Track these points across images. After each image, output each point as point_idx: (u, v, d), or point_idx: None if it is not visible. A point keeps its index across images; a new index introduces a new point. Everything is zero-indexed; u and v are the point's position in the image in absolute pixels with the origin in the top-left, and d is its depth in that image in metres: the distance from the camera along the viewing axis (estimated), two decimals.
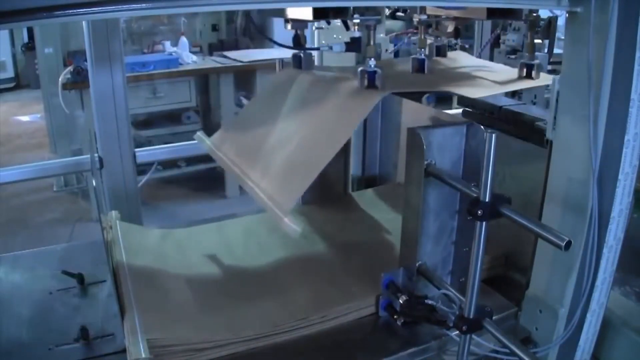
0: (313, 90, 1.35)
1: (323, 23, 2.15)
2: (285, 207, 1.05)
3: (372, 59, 1.19)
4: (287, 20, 1.40)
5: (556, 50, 1.53)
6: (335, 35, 2.07)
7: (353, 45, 1.27)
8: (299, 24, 1.41)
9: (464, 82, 1.36)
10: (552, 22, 1.40)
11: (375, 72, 1.20)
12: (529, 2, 1.16)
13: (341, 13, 1.24)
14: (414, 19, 1.50)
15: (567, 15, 1.06)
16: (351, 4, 1.22)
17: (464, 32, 1.76)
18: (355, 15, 1.21)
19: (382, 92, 1.20)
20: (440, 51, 1.62)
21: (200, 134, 1.60)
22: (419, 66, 1.43)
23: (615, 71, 0.97)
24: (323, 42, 2.22)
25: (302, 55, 1.43)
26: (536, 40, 1.49)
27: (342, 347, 1.12)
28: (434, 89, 1.42)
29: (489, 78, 1.39)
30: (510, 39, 1.77)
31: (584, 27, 0.99)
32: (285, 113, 1.36)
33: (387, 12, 1.71)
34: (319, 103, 1.28)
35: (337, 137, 1.13)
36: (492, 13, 1.28)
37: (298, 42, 1.45)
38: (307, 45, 1.49)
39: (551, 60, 1.57)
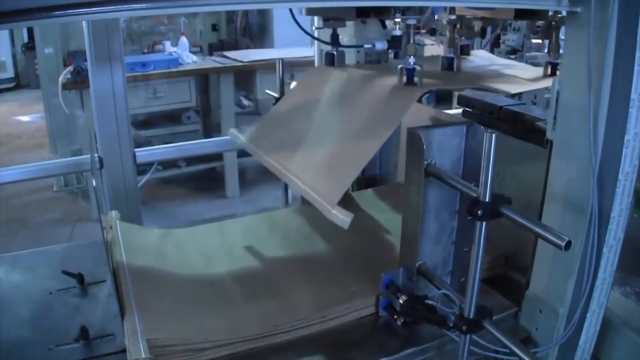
0: (351, 86, 1.39)
1: (322, 23, 2.15)
2: (333, 199, 1.08)
3: (412, 57, 1.23)
4: (325, 19, 1.46)
5: None
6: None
7: (394, 43, 1.34)
8: (337, 23, 1.46)
9: (497, 79, 1.38)
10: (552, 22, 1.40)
11: (414, 69, 1.24)
12: (529, 2, 1.16)
13: (383, 12, 1.31)
14: (444, 20, 1.52)
15: (567, 15, 1.06)
16: (346, 4, 1.25)
17: (464, 32, 1.76)
18: (397, 15, 1.27)
19: (421, 88, 1.24)
20: (464, 50, 1.65)
21: (234, 130, 1.65)
22: (449, 64, 1.46)
23: (615, 71, 0.97)
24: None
25: (335, 53, 1.50)
26: (536, 41, 1.49)
27: (342, 347, 1.12)
28: (470, 86, 1.44)
29: (519, 75, 1.41)
30: (510, 39, 1.78)
31: (584, 27, 0.99)
32: (324, 108, 1.41)
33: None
34: (359, 99, 1.32)
35: (380, 132, 1.15)
36: (519, 14, 1.30)
37: (336, 40, 1.50)
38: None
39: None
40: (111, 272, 1.22)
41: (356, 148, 1.15)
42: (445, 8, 1.47)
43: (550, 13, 1.38)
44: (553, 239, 0.85)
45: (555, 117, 1.11)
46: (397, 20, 1.28)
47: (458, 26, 1.57)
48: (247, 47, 4.30)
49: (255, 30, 4.60)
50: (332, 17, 1.44)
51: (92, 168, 1.53)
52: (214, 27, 4.41)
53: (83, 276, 1.32)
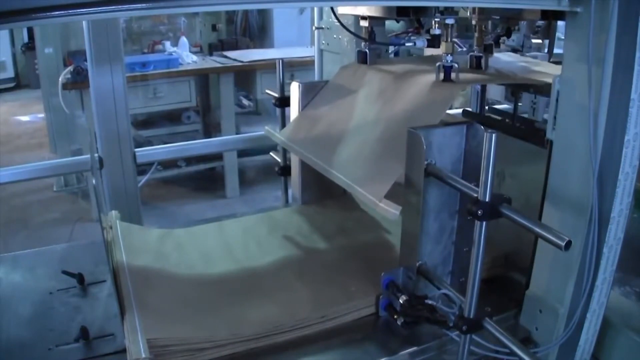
0: (388, 83, 1.44)
1: (324, 23, 2.15)
2: (380, 193, 1.13)
3: (449, 55, 1.30)
4: (363, 17, 1.52)
5: (556, 50, 1.53)
6: (335, 36, 2.07)
7: (433, 41, 1.40)
8: (374, 21, 1.52)
9: (527, 75, 1.39)
10: (552, 22, 1.40)
11: (451, 66, 1.29)
12: (529, 2, 1.16)
13: (421, 12, 1.37)
14: (473, 21, 1.54)
15: (567, 15, 1.06)
16: (345, 4, 1.25)
17: (464, 32, 1.76)
18: (437, 15, 1.33)
19: (459, 85, 1.30)
20: (488, 49, 1.66)
21: (269, 128, 1.70)
22: (477, 63, 1.50)
23: (615, 71, 0.97)
24: (324, 42, 2.22)
25: (367, 50, 1.55)
26: (536, 41, 1.49)
27: (342, 347, 1.12)
28: (504, 81, 1.46)
29: (546, 71, 1.42)
30: (510, 38, 1.77)
31: (584, 27, 0.99)
32: (362, 105, 1.45)
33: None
34: (398, 96, 1.36)
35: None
36: (545, 16, 1.31)
37: (373, 38, 1.55)
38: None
39: (551, 60, 1.57)
40: (111, 272, 1.23)
41: (398, 144, 1.16)
42: (473, 10, 1.50)
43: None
44: (553, 239, 0.85)
45: (555, 117, 1.11)
46: (436, 19, 1.35)
47: (484, 26, 1.58)
48: (247, 47, 4.30)
49: (255, 30, 4.60)
50: (370, 16, 1.49)
51: (92, 168, 1.53)
52: (214, 27, 4.41)
53: (83, 276, 1.32)
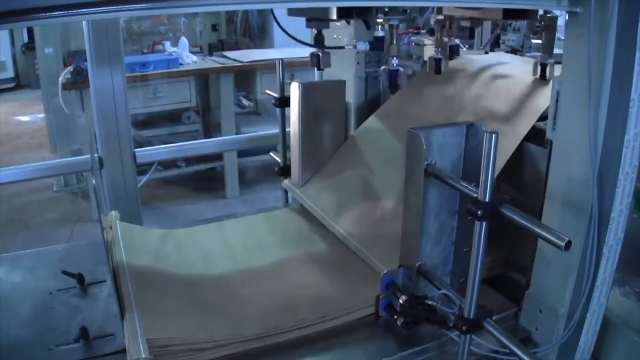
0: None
1: (306, 24, 2.14)
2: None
3: (395, 58, 1.23)
4: (309, 20, 1.42)
5: (556, 50, 1.53)
6: (335, 36, 2.07)
7: (376, 44, 1.32)
8: (321, 24, 1.43)
9: None
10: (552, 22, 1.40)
11: (397, 70, 1.28)
12: (529, 2, 1.16)
13: (364, 12, 1.27)
14: (431, 20, 1.51)
15: (567, 15, 1.06)
16: (344, 4, 1.23)
17: (463, 32, 1.75)
18: (379, 15, 1.24)
19: None
20: (454, 51, 1.63)
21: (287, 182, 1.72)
22: (437, 66, 1.44)
23: (615, 71, 0.97)
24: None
25: (320, 54, 1.47)
26: (536, 41, 1.49)
27: (342, 347, 1.12)
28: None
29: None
30: (510, 39, 1.77)
31: (584, 27, 0.99)
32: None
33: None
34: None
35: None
36: (508, 14, 1.29)
37: (320, 41, 1.48)
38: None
39: (551, 60, 1.57)
40: (111, 272, 1.22)
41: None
42: (433, 8, 1.45)
43: (540, 13, 1.36)
44: (553, 239, 0.85)
45: (555, 117, 1.11)
46: (380, 20, 1.26)
47: (447, 26, 1.56)
48: (247, 47, 4.30)
49: (255, 30, 4.60)
50: (315, 18, 1.40)
51: (92, 168, 1.53)
52: (214, 27, 4.41)
53: (83, 276, 1.32)
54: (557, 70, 1.33)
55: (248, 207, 3.56)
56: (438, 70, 1.45)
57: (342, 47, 1.51)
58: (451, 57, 1.64)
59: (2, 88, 6.50)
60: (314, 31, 1.46)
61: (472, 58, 1.61)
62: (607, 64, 0.97)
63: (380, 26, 1.27)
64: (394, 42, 1.27)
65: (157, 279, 1.28)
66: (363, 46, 1.35)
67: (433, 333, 1.13)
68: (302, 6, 1.31)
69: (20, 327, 1.17)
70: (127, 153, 2.07)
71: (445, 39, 1.56)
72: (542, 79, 1.37)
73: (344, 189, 1.55)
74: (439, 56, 1.45)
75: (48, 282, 1.33)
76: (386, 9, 1.25)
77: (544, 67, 1.38)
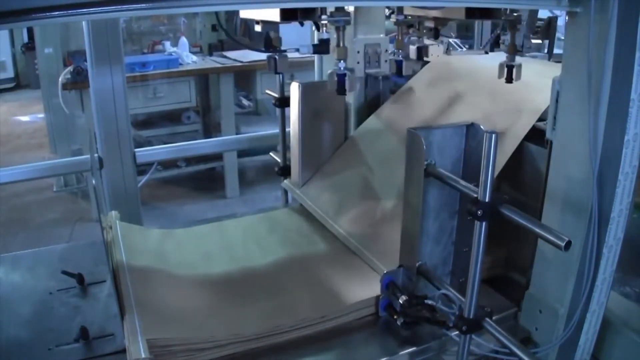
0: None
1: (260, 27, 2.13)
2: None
3: (342, 61, 1.15)
4: (257, 22, 1.35)
5: (556, 50, 1.52)
6: (335, 36, 2.06)
7: (321, 47, 1.24)
8: (270, 26, 1.36)
9: None
10: (552, 22, 1.39)
11: (345, 74, 1.17)
12: (529, 2, 1.16)
13: (309, 14, 1.18)
14: (392, 19, 1.47)
15: (567, 15, 1.06)
16: (343, 4, 1.20)
17: (464, 32, 1.76)
18: (324, 16, 1.16)
19: None
20: (422, 52, 1.58)
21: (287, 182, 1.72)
22: (397, 68, 1.40)
23: (615, 71, 0.97)
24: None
25: (276, 57, 1.40)
26: (535, 41, 1.48)
27: (342, 347, 1.12)
28: None
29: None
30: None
31: (584, 27, 0.99)
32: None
33: (386, 12, 1.71)
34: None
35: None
36: (470, 13, 1.25)
37: (269, 43, 1.41)
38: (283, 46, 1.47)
39: (551, 60, 1.57)
40: (111, 272, 1.22)
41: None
42: (396, 7, 1.41)
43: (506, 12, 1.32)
44: (553, 239, 0.85)
45: (555, 117, 1.11)
46: (324, 22, 1.17)
47: (416, 27, 1.53)
48: (247, 47, 4.29)
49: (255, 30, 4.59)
50: (264, 21, 1.32)
51: (92, 168, 1.53)
52: (214, 27, 4.41)
53: (83, 276, 1.32)
54: (528, 71, 1.32)
55: (248, 207, 3.56)
56: (399, 72, 1.41)
57: (285, 51, 1.44)
58: (419, 58, 1.61)
59: (2, 88, 6.50)
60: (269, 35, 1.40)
61: (472, 58, 1.61)
62: (607, 64, 0.97)
63: (324, 28, 1.19)
64: (341, 44, 1.17)
65: (157, 279, 1.28)
66: (306, 49, 1.26)
67: (433, 333, 1.13)
68: (302, 6, 1.29)
69: (20, 327, 1.17)
70: (127, 153, 2.07)
71: (414, 38, 1.52)
72: (509, 82, 1.34)
73: (344, 189, 1.55)
74: (400, 58, 1.41)
75: (48, 282, 1.33)
76: (332, 10, 1.17)
77: (510, 68, 1.34)
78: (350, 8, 1.31)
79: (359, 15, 1.68)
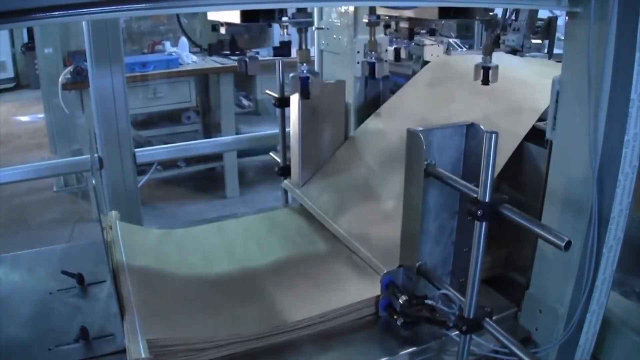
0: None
1: (324, 24, 2.14)
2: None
3: (305, 64, 1.11)
4: (221, 24, 1.31)
5: (556, 50, 1.52)
6: (335, 36, 2.07)
7: (282, 49, 1.20)
8: (234, 28, 1.30)
9: None
10: (552, 22, 1.39)
11: (307, 77, 1.12)
12: (529, 2, 1.16)
13: (269, 15, 1.13)
14: (364, 20, 1.43)
15: (567, 15, 1.06)
16: (343, 4, 1.18)
17: (464, 32, 1.75)
18: (284, 18, 1.11)
19: None
20: (399, 54, 1.55)
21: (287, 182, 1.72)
22: (370, 71, 1.37)
23: (615, 71, 0.97)
24: (324, 42, 2.22)
25: (247, 60, 1.32)
26: (536, 41, 1.48)
27: (342, 347, 1.12)
28: None
29: None
30: (510, 39, 1.77)
31: (584, 27, 0.99)
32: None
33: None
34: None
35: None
36: (444, 13, 1.22)
37: (234, 46, 1.36)
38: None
39: (551, 60, 1.57)
40: (111, 272, 1.22)
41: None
42: (368, 8, 1.36)
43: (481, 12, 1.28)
44: (553, 239, 0.85)
45: (555, 117, 1.11)
46: (284, 23, 1.12)
47: (392, 27, 1.50)
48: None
49: (255, 30, 4.59)
50: (227, 23, 1.27)
51: (92, 168, 1.53)
52: (214, 27, 4.41)
53: (83, 276, 1.32)
54: (528, 71, 1.30)
55: (248, 207, 3.56)
56: (372, 75, 1.38)
57: (244, 54, 1.36)
58: (397, 60, 1.58)
59: (2, 88, 6.50)
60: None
61: (472, 58, 1.61)
62: (607, 64, 0.97)
63: (285, 30, 1.14)
64: (303, 46, 1.13)
65: (157, 279, 1.28)
66: (267, 52, 1.23)
67: (433, 333, 1.13)
68: (301, 6, 1.28)
69: (20, 327, 1.17)
70: (127, 153, 2.07)
71: (387, 38, 1.49)
72: (485, 84, 1.32)
73: (344, 189, 1.55)
74: (372, 60, 1.37)
75: (48, 282, 1.33)
76: (294, 11, 1.11)
77: (486, 70, 1.31)
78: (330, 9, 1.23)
79: (359, 15, 1.69)
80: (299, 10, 1.10)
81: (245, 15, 1.11)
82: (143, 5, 0.80)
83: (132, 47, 4.02)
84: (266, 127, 3.61)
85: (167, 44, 3.83)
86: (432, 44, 1.79)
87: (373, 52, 1.41)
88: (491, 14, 1.27)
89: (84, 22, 1.99)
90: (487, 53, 1.30)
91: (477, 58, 1.34)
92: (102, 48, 1.94)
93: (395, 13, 1.41)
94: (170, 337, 1.04)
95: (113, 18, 1.86)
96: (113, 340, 1.12)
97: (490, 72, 1.30)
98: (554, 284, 1.14)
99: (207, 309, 1.18)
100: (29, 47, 5.80)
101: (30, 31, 5.68)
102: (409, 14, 1.38)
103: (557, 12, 1.36)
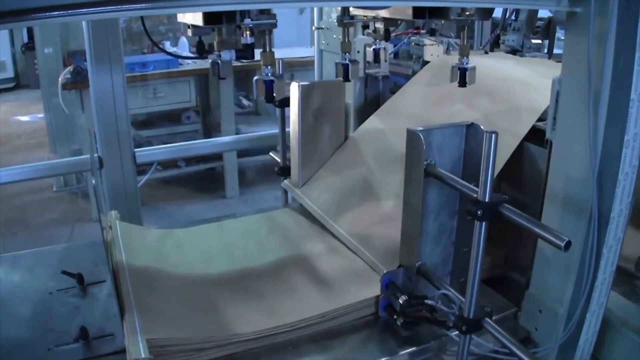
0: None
1: (324, 23, 2.15)
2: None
3: (269, 67, 1.09)
4: (188, 27, 1.27)
5: (556, 50, 1.52)
6: (335, 36, 2.07)
7: (244, 52, 1.16)
8: (200, 30, 1.26)
9: None
10: (552, 22, 1.39)
11: (272, 81, 1.11)
12: (529, 2, 1.16)
13: (232, 18, 1.09)
14: (343, 21, 1.40)
15: (567, 15, 1.06)
16: (343, 4, 1.17)
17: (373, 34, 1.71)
18: (247, 20, 1.08)
19: None
20: (378, 55, 1.53)
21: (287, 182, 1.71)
22: (344, 72, 1.34)
23: (615, 71, 0.97)
24: (324, 42, 2.22)
25: (219, 62, 1.27)
26: (536, 41, 1.48)
27: (342, 347, 1.12)
28: None
29: None
30: (510, 39, 1.77)
31: (584, 27, 0.99)
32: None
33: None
34: None
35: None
36: (418, 13, 1.20)
37: (201, 49, 1.33)
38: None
39: (551, 60, 1.57)
40: (111, 272, 1.22)
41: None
42: (341, 8, 1.32)
43: (458, 12, 1.24)
44: (553, 239, 0.85)
45: (555, 117, 1.11)
46: (248, 25, 1.09)
47: (371, 28, 1.47)
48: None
49: (255, 30, 4.59)
50: (193, 25, 1.22)
51: (91, 168, 1.53)
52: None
53: (83, 276, 1.32)
54: (528, 71, 1.29)
55: (248, 207, 3.56)
56: (346, 77, 1.35)
57: (205, 57, 1.34)
58: (376, 61, 1.55)
59: (2, 88, 6.50)
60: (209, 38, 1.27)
61: (472, 58, 1.61)
62: (607, 64, 0.97)
63: (248, 32, 1.10)
64: (267, 49, 1.10)
65: (157, 279, 1.28)
66: (228, 55, 1.18)
67: (433, 333, 1.13)
68: (302, 6, 1.28)
69: (20, 327, 1.17)
70: (127, 153, 2.07)
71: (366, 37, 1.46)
72: (462, 86, 1.30)
73: (344, 189, 1.55)
74: (346, 62, 1.34)
75: (48, 282, 1.33)
76: (255, 12, 1.08)
77: (463, 72, 1.29)
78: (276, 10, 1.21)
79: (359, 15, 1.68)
80: (262, 11, 1.07)
81: (208, 17, 1.09)
82: (143, 5, 0.80)
83: (132, 47, 4.02)
84: (266, 127, 3.61)
85: (167, 44, 3.83)
86: (432, 44, 1.79)
87: (347, 54, 1.37)
88: (468, 13, 1.23)
89: (83, 22, 2.00)
90: (464, 54, 1.27)
91: (477, 58, 1.33)
92: (102, 48, 1.94)
93: (371, 13, 1.38)
94: (170, 337, 1.04)
95: (113, 18, 1.86)
96: (113, 340, 1.12)
97: (467, 73, 1.28)
98: (554, 284, 1.14)
99: (207, 309, 1.18)
100: (29, 47, 5.81)
101: (30, 31, 5.68)
102: (383, 14, 1.35)
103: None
